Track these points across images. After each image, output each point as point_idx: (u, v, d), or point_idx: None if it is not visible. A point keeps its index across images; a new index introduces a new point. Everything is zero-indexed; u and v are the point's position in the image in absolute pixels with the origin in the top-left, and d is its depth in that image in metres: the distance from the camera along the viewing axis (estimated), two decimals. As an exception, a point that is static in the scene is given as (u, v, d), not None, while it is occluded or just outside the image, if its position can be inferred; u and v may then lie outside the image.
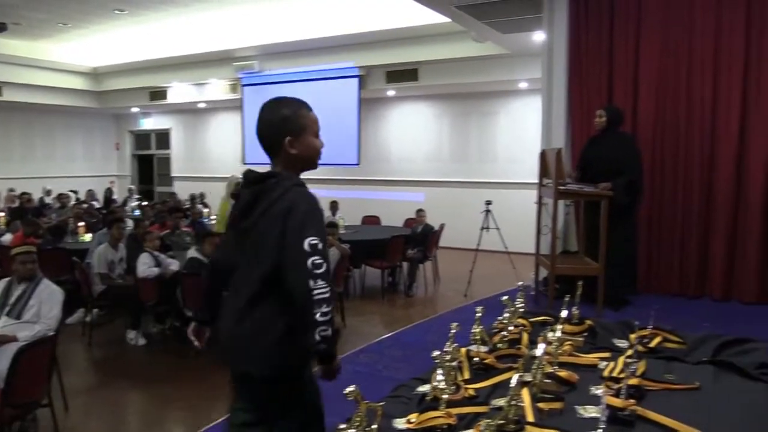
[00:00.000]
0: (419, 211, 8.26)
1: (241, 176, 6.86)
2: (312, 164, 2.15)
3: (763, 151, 5.97)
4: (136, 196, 12.78)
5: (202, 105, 14.05)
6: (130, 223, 7.43)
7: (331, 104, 11.46)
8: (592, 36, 6.68)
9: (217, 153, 14.48)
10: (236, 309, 1.97)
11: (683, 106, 6.32)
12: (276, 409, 1.88)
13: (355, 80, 11.19)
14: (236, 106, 13.06)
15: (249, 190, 2.04)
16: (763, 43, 5.94)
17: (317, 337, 1.75)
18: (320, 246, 1.86)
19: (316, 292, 1.79)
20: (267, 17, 10.27)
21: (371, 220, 9.67)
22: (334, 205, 9.16)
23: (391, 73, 10.84)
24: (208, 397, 4.42)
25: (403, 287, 7.78)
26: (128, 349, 5.65)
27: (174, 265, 5.60)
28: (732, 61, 6.08)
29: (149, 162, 16.42)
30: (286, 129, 2.05)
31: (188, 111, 14.71)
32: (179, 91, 13.49)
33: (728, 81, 6.10)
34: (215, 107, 14.20)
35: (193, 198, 11.40)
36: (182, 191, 13.37)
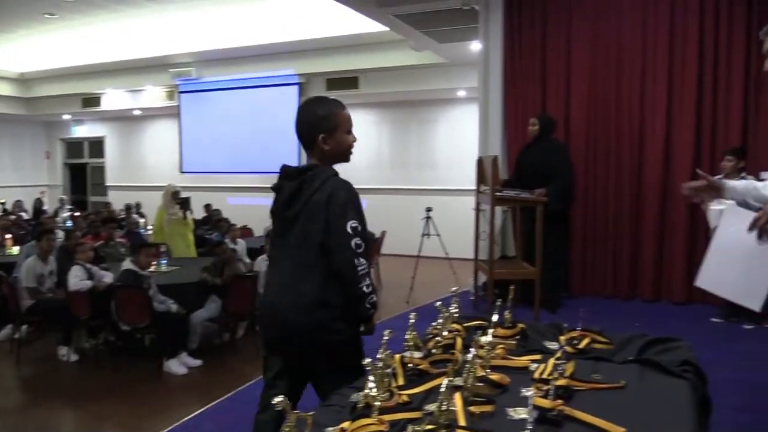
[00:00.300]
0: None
1: (177, 185, 6.70)
2: (344, 158, 2.39)
3: (686, 157, 6.25)
4: (68, 207, 12.34)
5: (137, 112, 13.69)
6: (61, 235, 7.17)
7: (271, 112, 11.38)
8: (526, 46, 6.87)
9: (154, 161, 14.12)
10: (286, 284, 2.23)
11: (613, 113, 6.57)
12: (332, 372, 2.17)
13: (295, 87, 11.14)
14: (173, 113, 12.78)
15: (291, 183, 2.26)
16: (686, 50, 6.24)
17: (367, 305, 2.16)
18: (360, 228, 2.17)
19: (360, 268, 2.13)
20: (205, 23, 10.11)
21: (313, 228, 9.63)
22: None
23: (331, 80, 10.85)
24: (143, 414, 4.28)
25: (345, 295, 7.77)
26: (60, 365, 5.43)
27: (107, 277, 5.42)
28: (657, 70, 6.37)
29: (82, 171, 15.87)
30: (320, 127, 2.27)
31: (123, 118, 14.30)
32: (113, 98, 13.12)
33: (654, 88, 6.39)
34: (151, 114, 13.86)
35: (128, 208, 11.09)
36: (117, 201, 13.00)
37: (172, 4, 9.36)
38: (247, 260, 6.64)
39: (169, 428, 3.84)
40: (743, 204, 2.18)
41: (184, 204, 7.41)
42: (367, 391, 1.46)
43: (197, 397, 4.52)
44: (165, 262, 6.27)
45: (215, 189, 12.57)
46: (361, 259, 2.13)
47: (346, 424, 1.43)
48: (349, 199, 2.20)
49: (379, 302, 5.42)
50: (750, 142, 5.99)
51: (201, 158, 12.36)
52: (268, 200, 9.28)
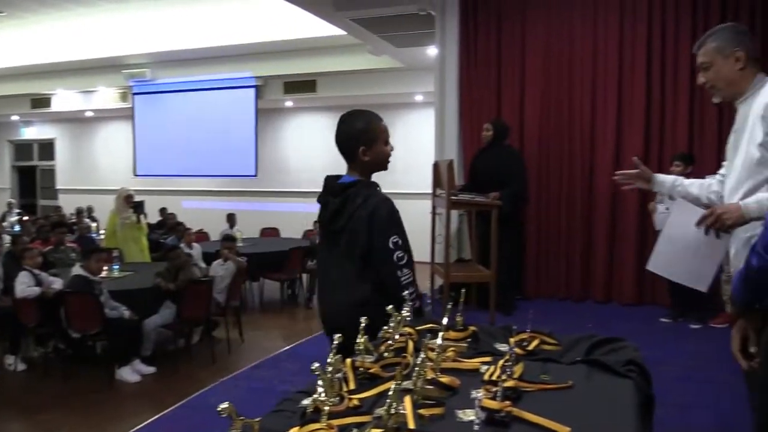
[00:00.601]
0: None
1: (130, 188, 6.56)
2: (382, 167, 2.55)
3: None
4: (17, 211, 11.96)
5: (89, 114, 13.38)
6: (8, 239, 6.95)
7: (227, 114, 11.27)
8: (481, 52, 6.96)
9: (106, 164, 13.81)
10: (334, 289, 2.46)
11: (565, 120, 6.71)
12: None
13: (252, 90, 11.05)
14: (127, 115, 12.52)
15: (335, 199, 2.42)
16: (635, 59, 6.42)
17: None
18: (401, 242, 2.36)
19: (403, 279, 2.33)
20: (160, 24, 9.95)
21: (270, 233, 9.56)
22: (230, 218, 8.97)
23: (288, 83, 10.80)
24: (95, 423, 4.19)
25: (303, 299, 7.72)
26: (7, 375, 5.27)
27: (57, 283, 5.28)
28: (607, 78, 6.54)
29: (31, 174, 15.42)
30: (360, 140, 2.41)
31: (75, 120, 13.95)
32: (65, 99, 12.78)
33: (604, 95, 6.56)
34: (104, 116, 13.56)
35: (79, 212, 10.82)
36: (68, 204, 12.66)
37: (127, 4, 9.21)
38: (203, 265, 6.56)
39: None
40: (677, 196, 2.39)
41: (138, 208, 7.26)
42: (316, 395, 1.46)
43: (150, 404, 4.45)
44: (117, 267, 6.15)
45: (170, 192, 12.36)
46: (404, 270, 2.33)
47: (294, 430, 1.43)
48: (389, 215, 2.38)
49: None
50: (696, 148, 6.19)
51: (155, 161, 12.13)
52: (223, 204, 9.23)
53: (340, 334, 1.80)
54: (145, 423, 3.94)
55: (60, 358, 5.37)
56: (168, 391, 4.63)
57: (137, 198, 7.42)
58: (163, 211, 10.04)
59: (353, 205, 2.38)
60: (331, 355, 1.59)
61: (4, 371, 5.32)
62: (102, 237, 8.18)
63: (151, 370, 5.15)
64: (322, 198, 2.51)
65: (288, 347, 5.56)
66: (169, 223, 8.94)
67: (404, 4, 6.84)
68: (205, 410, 4.12)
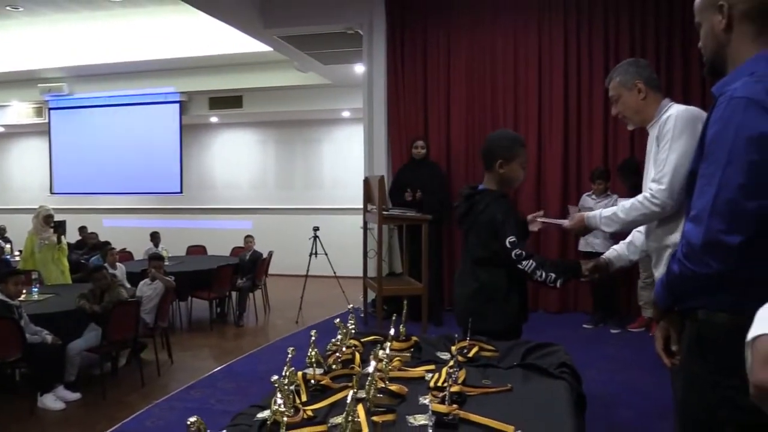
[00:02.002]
0: (247, 237, 8.14)
1: (50, 207, 6.34)
2: (510, 186, 2.97)
3: (556, 179, 6.76)
4: None
5: (0, 129, 12.72)
6: None
7: (151, 130, 11.00)
8: (408, 70, 7.15)
9: (21, 182, 13.13)
10: (463, 278, 2.90)
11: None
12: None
13: (176, 106, 10.83)
14: (42, 131, 11.96)
15: (464, 203, 2.92)
16: (552, 73, 6.78)
17: (549, 284, 2.65)
18: (517, 240, 2.68)
19: (528, 268, 2.65)
20: (78, 37, 9.61)
21: (196, 250, 9.37)
22: (154, 236, 8.74)
23: (214, 99, 10.67)
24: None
25: (232, 317, 7.62)
26: None
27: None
28: (528, 93, 6.86)
29: (-65, 193, 14.47)
30: (501, 153, 2.82)
31: (-16, 136, 13.24)
32: (-27, 114, 12.12)
33: (525, 109, 6.89)
34: (17, 132, 12.89)
35: (-9, 232, 10.27)
36: (-23, 225, 11.96)
37: (43, 16, 8.86)
38: (128, 285, 6.37)
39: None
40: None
41: (59, 228, 6.98)
42: (276, 407, 1.50)
43: (77, 432, 4.28)
44: (36, 289, 5.89)
45: (90, 211, 11.89)
46: (524, 262, 2.65)
47: (254, 442, 1.47)
48: (505, 219, 2.72)
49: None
50: (610, 159, 6.58)
51: (74, 178, 11.65)
52: (146, 222, 8.95)
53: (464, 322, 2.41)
54: (77, 450, 3.80)
55: (-23, 386, 5.09)
56: (96, 418, 4.47)
57: (57, 217, 7.12)
58: (82, 230, 9.65)
59: (477, 209, 2.82)
60: (285, 368, 1.64)
61: None
62: (17, 259, 7.80)
63: (75, 396, 4.94)
64: (458, 202, 3.02)
65: (221, 366, 5.48)
66: (90, 243, 8.62)
67: (332, 23, 6.95)
68: (139, 434, 4.02)
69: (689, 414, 1.54)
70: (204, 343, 6.68)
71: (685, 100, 6.28)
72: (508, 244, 2.67)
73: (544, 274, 2.65)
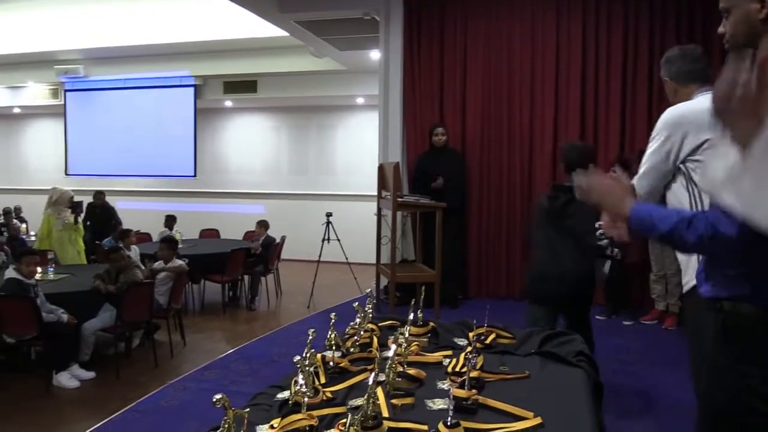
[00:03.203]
0: (260, 223, 8.14)
1: (66, 189, 6.41)
2: None
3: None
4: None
5: (17, 110, 12.80)
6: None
7: (165, 113, 11.03)
8: (424, 57, 7.11)
9: (36, 163, 13.23)
10: (560, 259, 3.62)
11: (505, 123, 6.94)
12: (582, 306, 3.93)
13: (191, 89, 10.85)
14: (58, 112, 12.03)
15: (566, 195, 3.56)
16: (570, 59, 6.71)
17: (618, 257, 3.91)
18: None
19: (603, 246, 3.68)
20: (94, 19, 9.64)
21: (210, 234, 9.42)
22: (169, 219, 8.79)
23: (228, 83, 10.66)
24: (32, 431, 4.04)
25: (245, 301, 7.66)
26: (-68, 383, 5.01)
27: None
28: (545, 81, 6.81)
29: (-49, 172, 14.60)
30: (581, 161, 3.63)
31: (1, 116, 13.30)
32: (-10, 95, 12.20)
33: (542, 97, 6.84)
34: (33, 113, 12.98)
35: (7, 212, 10.35)
36: (-7, 205, 12.08)
37: (59, -2, 8.88)
38: (142, 267, 6.41)
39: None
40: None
41: (76, 208, 7.06)
42: (298, 387, 1.50)
43: (91, 411, 4.32)
44: (52, 269, 5.94)
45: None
46: (604, 240, 3.56)
47: (275, 421, 1.47)
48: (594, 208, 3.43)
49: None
50: (627, 151, 6.52)
51: (88, 160, 11.73)
52: (160, 204, 8.98)
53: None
54: (93, 428, 3.84)
55: (-7, 364, 5.15)
56: (110, 397, 4.52)
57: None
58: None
59: (577, 202, 3.26)
60: (306, 349, 1.65)
61: (-70, 380, 5.05)
62: (32, 239, 7.87)
63: (90, 375, 5.00)
64: (552, 194, 3.73)
65: (234, 349, 5.52)
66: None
67: (350, 8, 6.91)
68: (154, 413, 4.06)
69: (712, 403, 1.53)
70: (216, 325, 6.73)
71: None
72: (597, 225, 3.35)
73: (613, 250, 3.86)
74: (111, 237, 7.87)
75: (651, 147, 2.36)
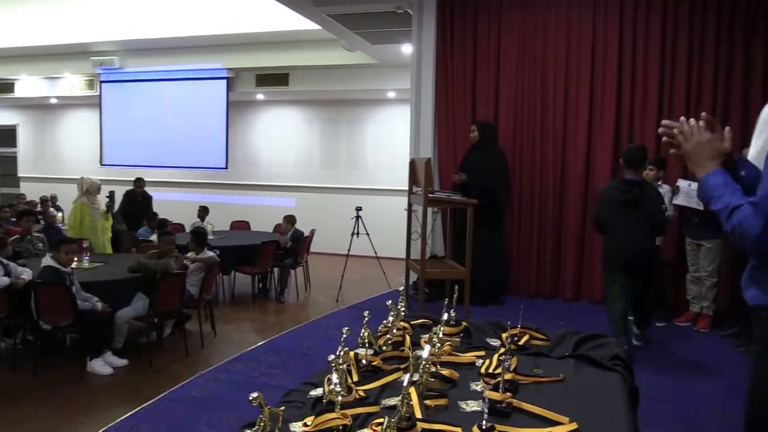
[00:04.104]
0: (288, 217, 8.16)
1: (95, 178, 6.49)
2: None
3: (606, 163, 6.60)
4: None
5: (54, 100, 13.06)
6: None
7: (198, 105, 11.14)
8: (457, 52, 7.05)
9: (71, 153, 13.49)
10: (636, 237, 4.60)
11: (538, 119, 6.85)
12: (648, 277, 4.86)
13: (223, 82, 10.94)
14: (94, 103, 12.26)
15: (636, 187, 4.62)
16: (606, 54, 6.58)
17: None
18: (665, 207, 5.00)
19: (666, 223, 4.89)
20: (130, 11, 9.77)
21: (240, 225, 9.49)
22: (202, 211, 8.88)
23: (260, 76, 10.72)
24: (66, 417, 4.09)
25: (274, 293, 7.72)
26: (-28, 367, 5.15)
27: (26, 273, 5.17)
28: (580, 76, 6.69)
29: (-9, 160, 14.98)
30: (644, 160, 4.88)
31: (38, 106, 13.58)
32: (29, 85, 12.45)
33: (576, 92, 6.72)
34: (69, 103, 13.23)
35: (44, 200, 10.58)
36: (31, 193, 12.33)
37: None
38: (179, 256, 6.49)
39: (103, 429, 3.73)
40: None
41: (111, 198, 7.24)
42: (332, 386, 1.50)
43: (124, 397, 4.40)
44: (87, 258, 6.05)
45: (137, 183, 12.17)
46: (666, 222, 4.90)
47: (309, 419, 1.47)
48: (660, 196, 4.86)
49: (311, 299, 5.67)
50: (664, 153, 6.37)
51: (122, 151, 11.93)
52: (191, 195, 9.05)
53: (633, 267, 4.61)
54: (127, 415, 3.90)
55: (29, 350, 5.27)
56: (142, 384, 4.59)
57: (106, 188, 7.35)
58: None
59: (647, 191, 4.65)
60: (339, 347, 1.64)
61: (-31, 363, 5.19)
62: (66, 227, 8.02)
63: (123, 362, 5.09)
64: (623, 187, 4.65)
65: (264, 341, 5.57)
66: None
67: (382, 1, 6.88)
68: (186, 403, 4.11)
69: (756, 413, 1.49)
70: (246, 317, 6.79)
71: (744, 92, 6.09)
72: (663, 208, 4.77)
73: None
74: (147, 226, 8.00)
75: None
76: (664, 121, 1.83)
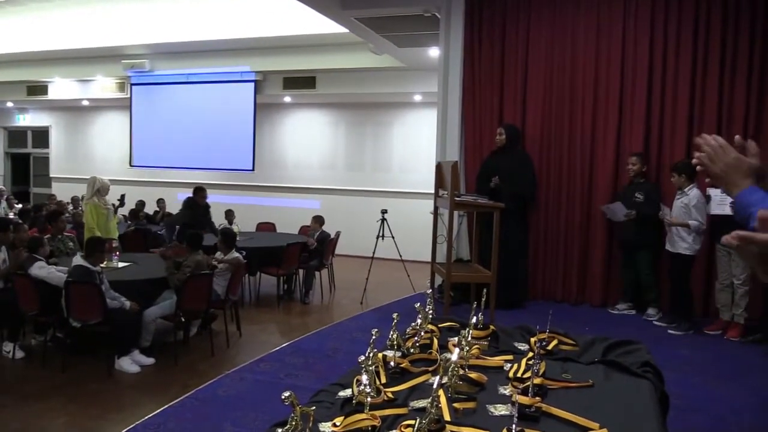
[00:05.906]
0: (316, 217, 8.20)
1: (106, 179, 6.64)
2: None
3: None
4: (15, 200, 11.85)
5: (86, 102, 13.30)
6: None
7: (226, 108, 11.26)
8: (485, 56, 7.02)
9: (102, 154, 13.73)
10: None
11: (566, 124, 6.78)
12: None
13: (251, 85, 11.05)
14: (124, 105, 12.47)
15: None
16: (636, 60, 6.49)
17: None
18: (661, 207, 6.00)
19: None
20: (160, 15, 9.92)
21: (266, 227, 9.56)
22: (229, 214, 8.95)
23: (288, 79, 10.80)
24: (94, 414, 4.15)
25: (299, 295, 7.75)
26: (5, 362, 5.24)
27: (61, 272, 5.27)
28: (609, 81, 6.61)
29: (25, 161, 15.29)
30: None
31: (71, 108, 13.84)
32: (61, 87, 12.70)
33: (605, 98, 6.64)
34: (101, 105, 13.46)
35: (75, 201, 10.77)
36: (62, 193, 12.57)
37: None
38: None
39: (131, 426, 3.78)
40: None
41: (122, 199, 7.46)
42: (361, 387, 1.51)
43: (151, 395, 4.45)
44: (116, 258, 6.14)
45: (166, 184, 12.34)
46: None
47: (338, 420, 1.48)
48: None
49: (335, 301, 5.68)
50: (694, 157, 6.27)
51: (152, 152, 12.11)
52: (218, 197, 9.12)
53: None
54: (154, 413, 3.96)
55: (58, 347, 5.36)
56: (169, 382, 4.65)
57: (125, 190, 7.55)
58: (159, 202, 10.10)
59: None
60: (369, 349, 1.65)
61: (2, 358, 5.29)
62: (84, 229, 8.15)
63: (150, 361, 5.15)
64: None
65: (289, 342, 5.60)
66: (166, 214, 8.92)
67: (410, 5, 6.89)
68: (212, 402, 4.15)
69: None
70: (271, 318, 6.84)
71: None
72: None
73: None
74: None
75: None
76: (696, 141, 1.77)
